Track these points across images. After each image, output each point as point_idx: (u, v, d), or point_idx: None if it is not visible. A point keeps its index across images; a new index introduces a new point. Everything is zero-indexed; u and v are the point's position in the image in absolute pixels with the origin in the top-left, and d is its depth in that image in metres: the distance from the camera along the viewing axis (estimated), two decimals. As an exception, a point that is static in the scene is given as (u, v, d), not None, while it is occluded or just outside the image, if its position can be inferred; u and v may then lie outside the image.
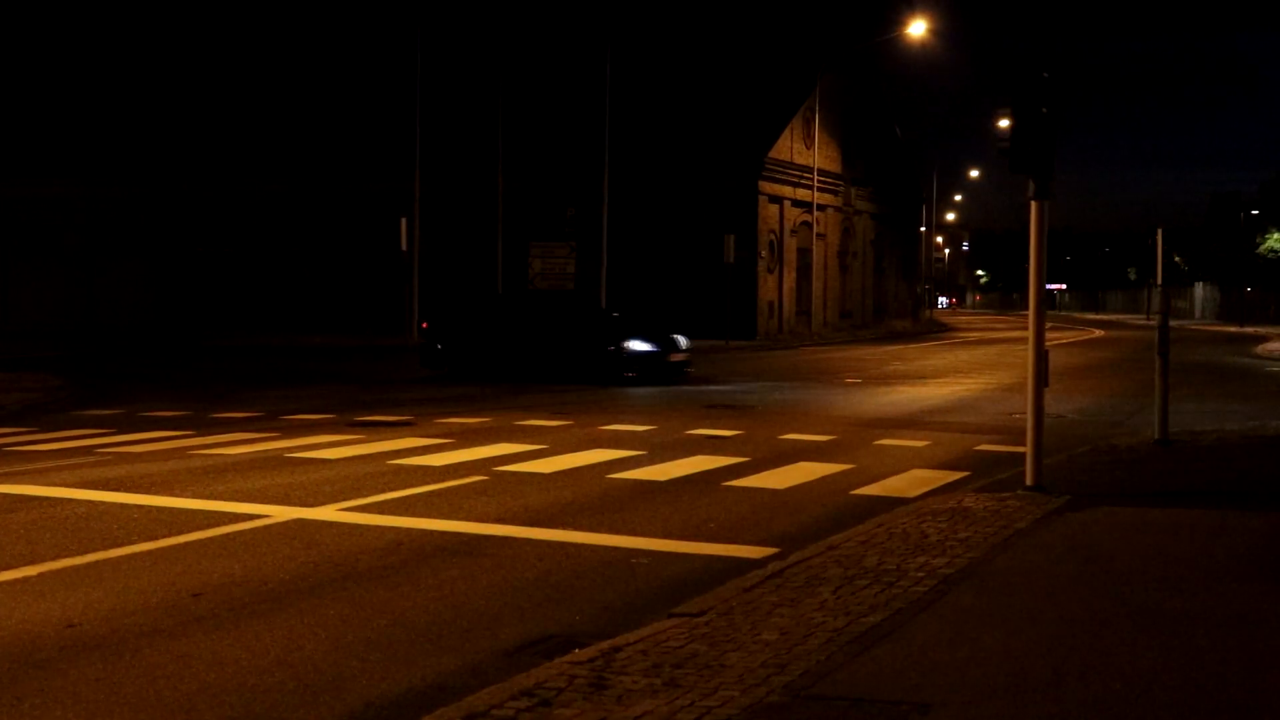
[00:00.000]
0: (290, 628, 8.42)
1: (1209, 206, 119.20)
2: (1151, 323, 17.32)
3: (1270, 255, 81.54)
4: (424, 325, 33.19)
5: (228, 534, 11.28)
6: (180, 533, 11.21)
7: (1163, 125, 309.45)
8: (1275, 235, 79.99)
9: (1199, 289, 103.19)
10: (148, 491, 13.32)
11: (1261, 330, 64.14)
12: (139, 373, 32.34)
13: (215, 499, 12.89)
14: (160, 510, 12.29)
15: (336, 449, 16.74)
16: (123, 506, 12.50)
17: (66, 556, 10.28)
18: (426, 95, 49.51)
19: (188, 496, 13.04)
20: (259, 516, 12.01)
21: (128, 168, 58.41)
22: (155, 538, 11.01)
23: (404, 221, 46.06)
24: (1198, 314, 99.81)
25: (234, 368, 34.50)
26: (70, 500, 12.83)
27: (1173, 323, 17.38)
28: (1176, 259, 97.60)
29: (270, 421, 20.28)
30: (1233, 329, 71.83)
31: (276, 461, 15.71)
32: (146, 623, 8.46)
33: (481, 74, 56.18)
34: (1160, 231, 17.22)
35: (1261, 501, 12.31)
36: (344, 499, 12.95)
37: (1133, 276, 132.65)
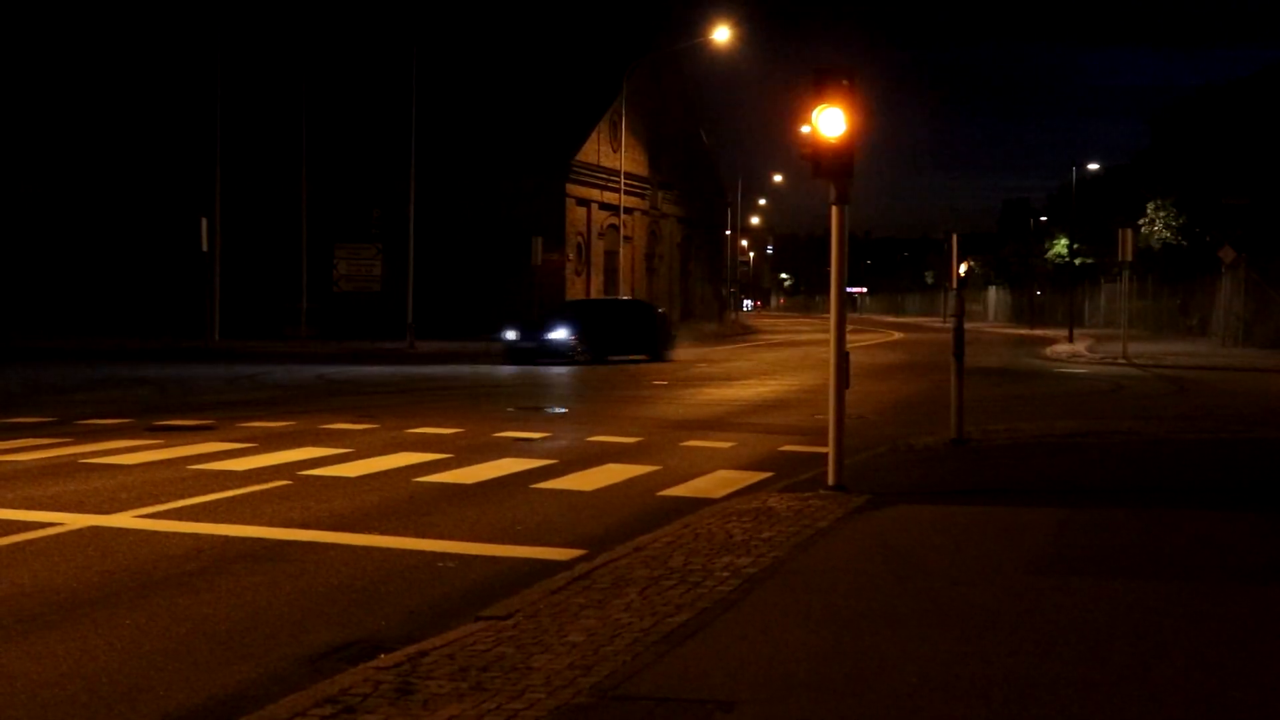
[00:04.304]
0: (83, 638, 8.17)
1: (1001, 212, 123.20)
2: (948, 325, 17.82)
3: (1058, 260, 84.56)
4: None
5: (16, 543, 10.88)
6: (-34, 542, 10.78)
7: (960, 133, 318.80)
8: (1062, 241, 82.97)
9: (992, 292, 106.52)
10: (-69, 500, 12.78)
11: (1050, 333, 66.46)
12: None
13: (4, 507, 12.42)
14: (-56, 519, 11.80)
15: (134, 454, 16.28)
16: (-96, 516, 11.96)
17: None
18: (228, 93, 48.50)
19: (-26, 505, 12.54)
20: (51, 525, 11.62)
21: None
22: (-61, 548, 10.57)
23: (204, 221, 45.02)
24: (991, 316, 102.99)
25: (23, 371, 33.31)
26: None
27: (968, 325, 17.90)
28: (971, 263, 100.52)
29: (64, 427, 19.63)
30: (1024, 331, 74.27)
31: (70, 468, 15.22)
32: (-71, 637, 8.12)
33: (285, 73, 55.26)
34: (954, 236, 17.74)
35: (1049, 498, 12.75)
36: (141, 505, 12.60)
37: (930, 280, 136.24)
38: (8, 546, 10.75)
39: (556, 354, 37.62)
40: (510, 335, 38.70)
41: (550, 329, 38.37)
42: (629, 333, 40.22)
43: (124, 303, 54.21)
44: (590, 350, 38.20)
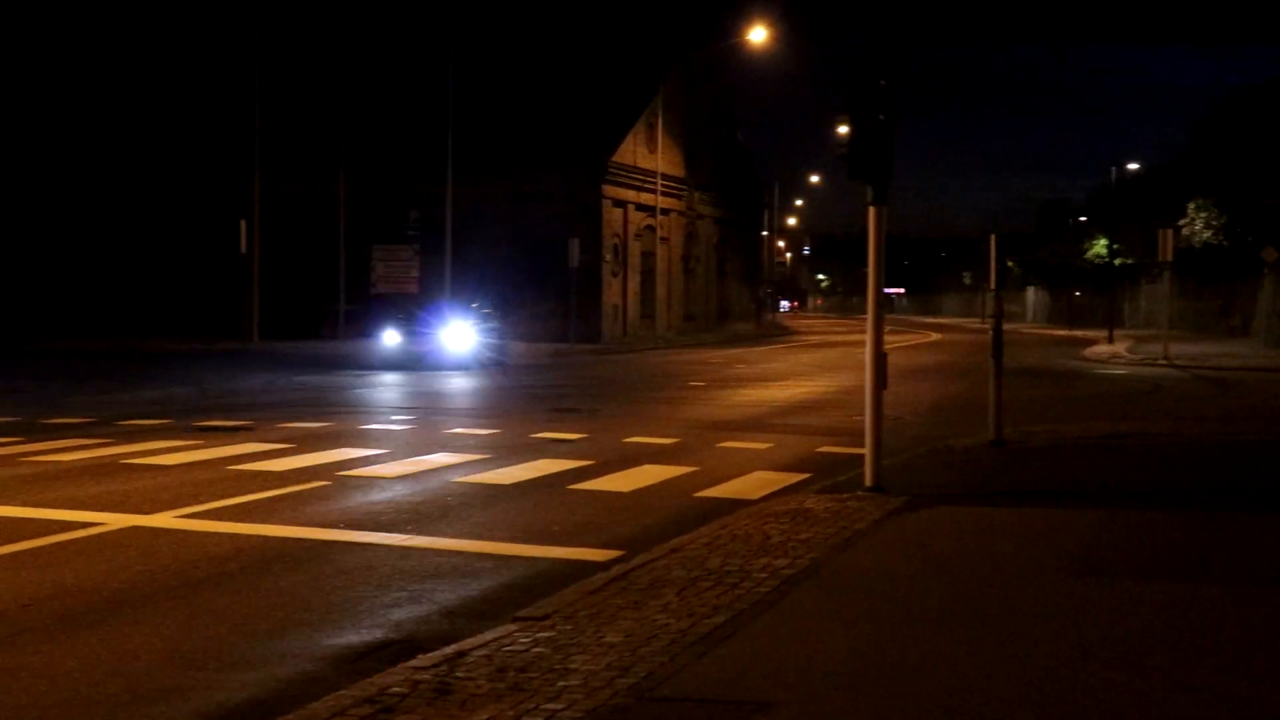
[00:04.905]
0: (125, 637, 8.23)
1: (1039, 213, 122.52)
2: (986, 326, 17.73)
3: (1097, 260, 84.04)
4: None
5: (59, 543, 10.97)
6: (8, 542, 10.87)
7: (997, 133, 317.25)
8: (1102, 241, 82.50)
9: (1031, 293, 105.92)
10: (-26, 500, 12.89)
11: (1089, 334, 66.08)
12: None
13: (46, 507, 12.53)
14: (-12, 519, 11.90)
15: (174, 455, 16.39)
16: (-52, 516, 12.08)
17: (-112, 568, 9.90)
18: (267, 96, 48.76)
19: (17, 505, 12.64)
20: (92, 525, 11.71)
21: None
22: (-18, 548, 10.66)
23: (244, 224, 45.27)
24: (1030, 317, 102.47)
25: (67, 372, 33.56)
26: (-109, 510, 12.37)
27: (1006, 326, 17.83)
28: (1009, 264, 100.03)
29: (105, 427, 19.78)
30: (1063, 332, 73.87)
31: (111, 468, 15.33)
32: (-27, 635, 8.20)
33: (323, 75, 55.48)
34: (993, 237, 17.64)
35: (1089, 500, 12.69)
36: (182, 506, 12.68)
37: (968, 281, 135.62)
38: (50, 546, 10.84)
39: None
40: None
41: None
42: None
43: (167, 305, 54.52)
44: None
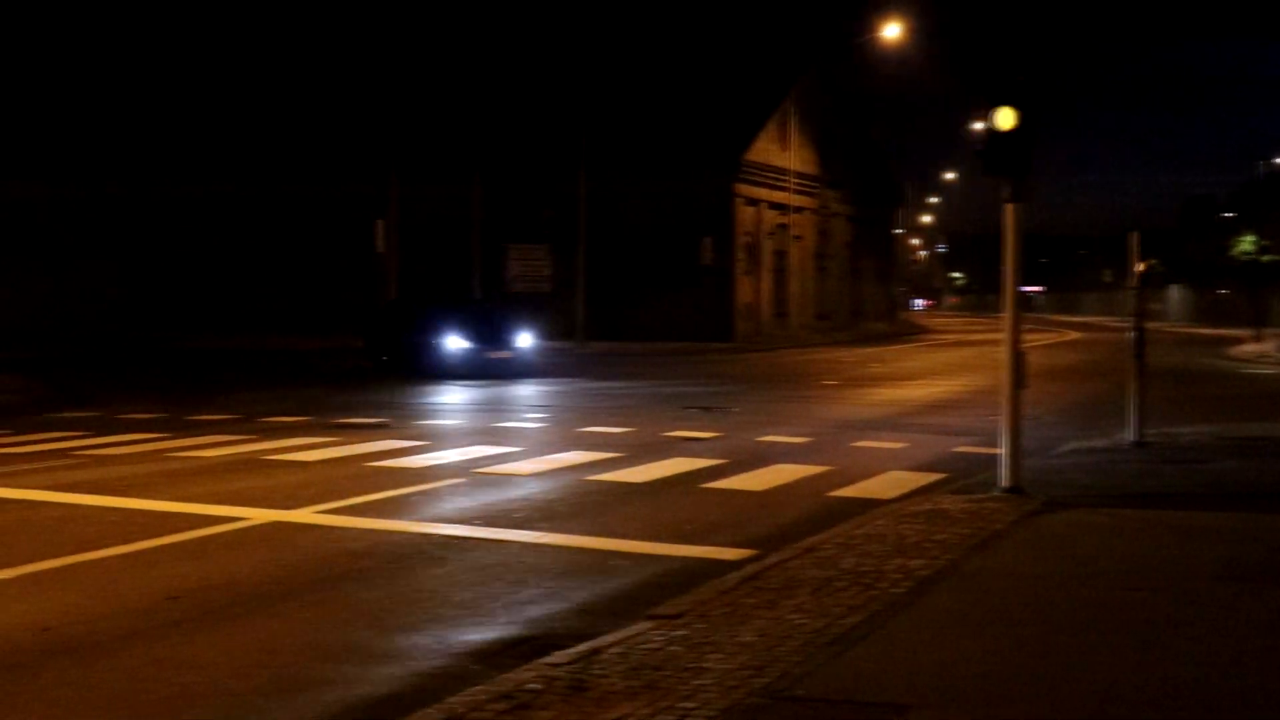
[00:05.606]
0: (268, 630, 8.40)
1: (1182, 210, 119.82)
2: (1127, 325, 17.39)
3: (1243, 258, 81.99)
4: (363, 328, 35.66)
5: (204, 537, 11.24)
6: (156, 536, 11.16)
7: (1136, 129, 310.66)
8: (1249, 238, 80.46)
9: (1174, 292, 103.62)
10: (124, 494, 13.26)
11: (1235, 333, 64.44)
12: (113, 375, 32.18)
13: (192, 501, 12.83)
14: (136, 513, 12.23)
15: (313, 451, 16.70)
16: (99, 509, 12.44)
17: (42, 559, 10.22)
18: (402, 97, 49.43)
19: (164, 499, 12.98)
20: (236, 519, 11.97)
21: (101, 168, 58.14)
22: (131, 541, 10.96)
23: (379, 224, 45.88)
24: (1172, 316, 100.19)
25: (208, 370, 34.36)
26: (46, 503, 12.77)
27: (1148, 325, 17.48)
28: (1152, 261, 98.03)
29: (246, 424, 20.21)
30: (1207, 331, 72.16)
31: (253, 464, 15.66)
32: (123, 626, 8.42)
33: (458, 76, 56.12)
34: (1135, 235, 17.29)
35: (1233, 502, 12.37)
36: (322, 501, 12.91)
37: (1108, 279, 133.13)
38: (196, 540, 11.10)
39: None
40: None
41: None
42: None
43: (304, 304, 55.51)
44: None
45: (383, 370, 32.55)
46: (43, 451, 16.78)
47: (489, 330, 32.69)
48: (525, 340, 32.75)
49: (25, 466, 15.34)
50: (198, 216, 57.55)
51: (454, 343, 31.42)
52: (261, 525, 11.77)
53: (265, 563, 10.28)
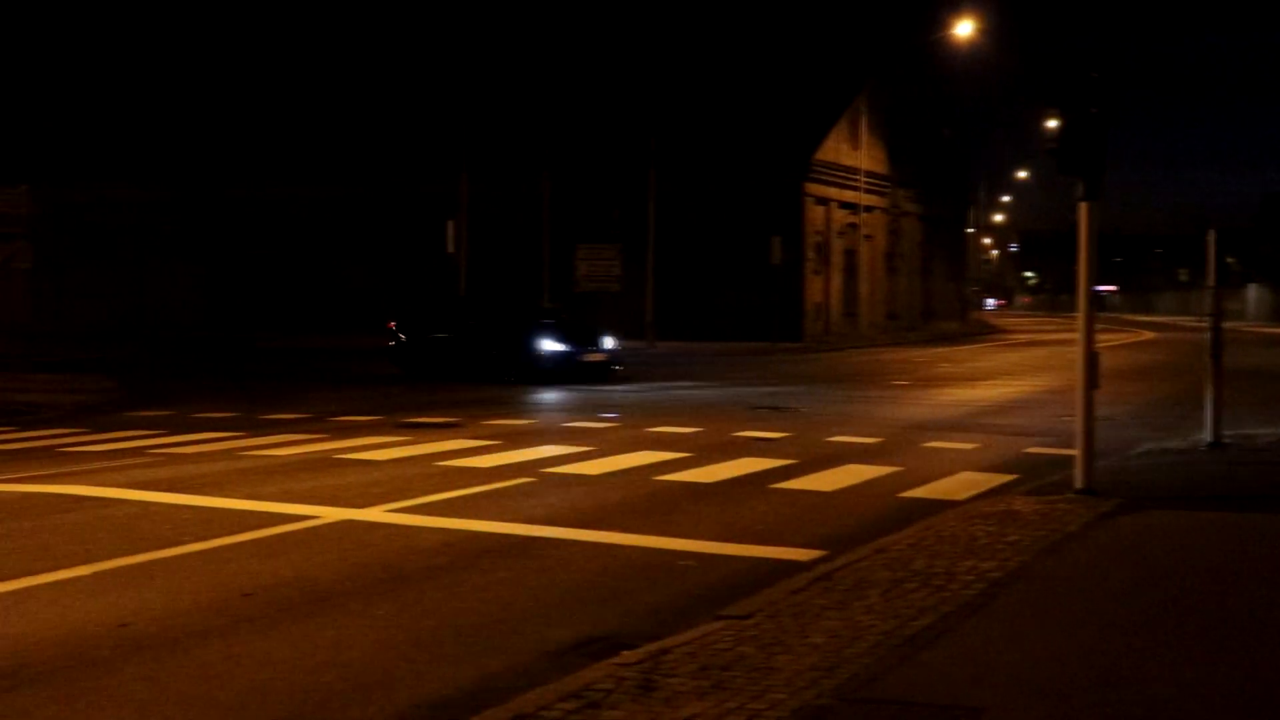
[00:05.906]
0: (339, 628, 8.46)
1: (1260, 207, 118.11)
2: (1203, 325, 17.14)
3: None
4: (390, 325, 32.89)
5: (278, 535, 11.35)
6: (231, 533, 11.29)
7: (1211, 125, 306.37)
8: (1328, 236, 79.22)
9: (1251, 291, 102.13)
10: (198, 492, 13.43)
11: (1315, 332, 63.41)
12: (189, 374, 32.59)
13: (265, 500, 12.97)
14: (211, 511, 12.38)
15: (384, 450, 16.82)
16: (174, 507, 12.60)
17: (119, 556, 10.37)
18: (473, 98, 49.65)
19: (238, 497, 13.13)
20: (308, 517, 12.08)
21: (186, 171, 58.94)
22: (206, 538, 11.09)
23: (450, 224, 46.14)
24: (1250, 315, 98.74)
25: (283, 369, 34.70)
26: (122, 501, 12.95)
27: (1225, 324, 17.23)
28: (1229, 260, 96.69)
29: (319, 423, 20.39)
30: (1285, 331, 71.08)
31: (325, 463, 15.80)
32: (198, 622, 8.53)
33: (528, 77, 56.31)
34: (1213, 232, 17.05)
35: (1315, 505, 12.17)
36: (392, 500, 13.01)
37: (1184, 278, 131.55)
38: (270, 538, 11.22)
39: None
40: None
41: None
42: None
43: (376, 304, 55.90)
44: None
45: (450, 374, 30.56)
46: (120, 450, 17.02)
47: (580, 331, 31.59)
48: (609, 342, 31.29)
49: (103, 465, 15.57)
50: (275, 219, 58.15)
51: (548, 345, 29.92)
52: (332, 524, 11.87)
53: (336, 561, 10.37)
